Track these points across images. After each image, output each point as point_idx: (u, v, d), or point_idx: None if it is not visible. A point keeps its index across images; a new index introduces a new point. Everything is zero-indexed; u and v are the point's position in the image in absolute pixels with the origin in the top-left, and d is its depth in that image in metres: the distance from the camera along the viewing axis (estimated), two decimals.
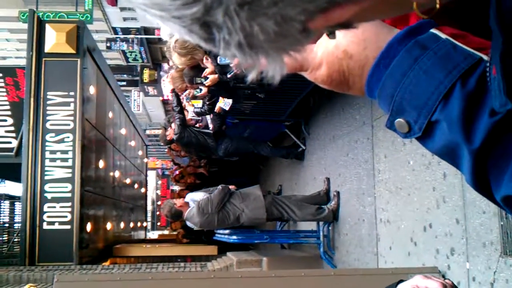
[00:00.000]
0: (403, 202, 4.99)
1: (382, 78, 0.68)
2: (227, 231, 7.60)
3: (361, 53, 0.70)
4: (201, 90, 6.39)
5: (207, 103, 7.24)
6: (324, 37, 0.65)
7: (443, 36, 0.64)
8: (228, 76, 5.16)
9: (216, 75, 5.77)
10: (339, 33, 0.66)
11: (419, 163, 4.69)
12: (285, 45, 0.50)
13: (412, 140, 4.22)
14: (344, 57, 0.72)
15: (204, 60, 5.81)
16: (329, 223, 7.06)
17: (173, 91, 7.82)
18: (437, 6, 0.56)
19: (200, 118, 8.37)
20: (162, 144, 10.24)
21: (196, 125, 8.69)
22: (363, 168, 6.11)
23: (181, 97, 8.58)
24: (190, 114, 8.31)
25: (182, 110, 8.02)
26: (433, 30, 0.65)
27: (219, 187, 6.67)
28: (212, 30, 0.46)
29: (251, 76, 0.52)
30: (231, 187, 6.85)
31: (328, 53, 0.73)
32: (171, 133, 8.78)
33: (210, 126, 8.44)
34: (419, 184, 4.67)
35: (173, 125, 9.06)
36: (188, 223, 7.51)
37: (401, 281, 1.24)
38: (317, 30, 0.50)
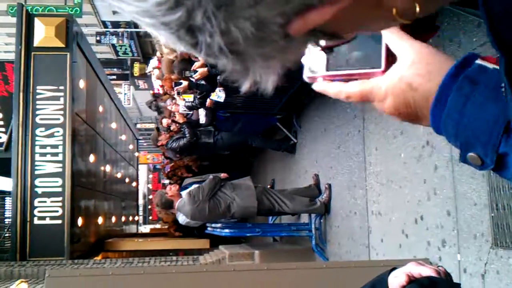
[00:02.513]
0: (395, 194, 5.01)
1: (442, 117, 0.68)
2: (219, 225, 7.60)
3: (426, 86, 0.70)
4: (181, 83, 6.37)
5: (198, 97, 7.23)
6: (390, 70, 0.69)
7: (490, 66, 0.64)
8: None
9: (206, 69, 5.76)
10: (404, 66, 0.69)
11: (410, 156, 4.71)
12: (270, 52, 0.50)
13: (403, 133, 4.24)
14: (408, 90, 0.71)
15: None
16: (321, 215, 7.07)
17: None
18: (418, 10, 0.55)
19: (191, 112, 8.36)
20: (152, 144, 10.23)
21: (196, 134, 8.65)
22: (354, 161, 6.12)
23: (171, 91, 8.57)
24: (181, 108, 8.29)
25: (194, 136, 8.03)
26: (478, 61, 0.65)
27: (210, 176, 6.69)
28: (196, 34, 0.46)
29: (244, 87, 0.53)
30: (223, 175, 6.86)
31: (393, 85, 0.73)
32: (164, 139, 8.77)
33: (202, 120, 8.44)
34: (410, 177, 4.69)
35: (164, 121, 9.03)
36: (179, 219, 7.50)
37: (394, 268, 1.23)
38: (299, 36, 0.50)
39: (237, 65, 0.50)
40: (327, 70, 0.78)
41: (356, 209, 6.01)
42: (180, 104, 8.07)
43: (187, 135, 8.22)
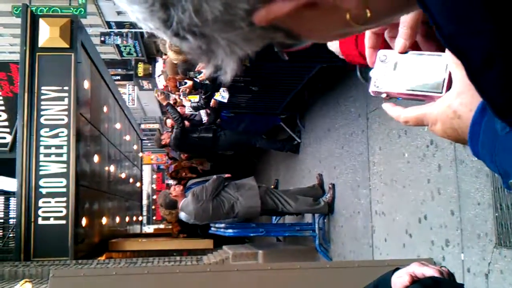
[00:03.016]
0: (398, 194, 5.00)
1: (479, 149, 0.73)
2: (222, 225, 7.61)
3: (468, 115, 0.74)
4: (186, 83, 6.38)
5: (203, 97, 7.24)
6: (442, 97, 0.76)
7: None
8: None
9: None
10: (453, 94, 0.75)
11: (414, 155, 4.70)
12: (234, 38, 0.53)
13: (406, 132, 4.23)
14: (454, 117, 0.76)
15: None
16: (324, 215, 7.07)
17: (168, 104, 7.88)
18: (368, 15, 0.56)
19: (197, 112, 8.36)
20: (156, 146, 10.26)
21: (195, 129, 8.64)
22: (358, 161, 6.12)
23: (176, 93, 8.58)
24: (187, 109, 8.29)
25: (182, 121, 8.02)
26: None
27: (214, 176, 6.71)
28: (169, 9, 0.49)
29: (207, 72, 0.56)
30: (226, 175, 6.87)
31: (442, 112, 0.78)
32: (166, 138, 8.79)
33: (204, 119, 8.45)
34: (414, 176, 4.68)
35: (168, 121, 9.04)
36: (182, 216, 7.50)
37: (397, 269, 1.24)
38: (261, 26, 0.53)
39: (202, 46, 0.53)
40: (392, 87, 0.84)
41: (359, 209, 6.01)
42: (186, 105, 8.06)
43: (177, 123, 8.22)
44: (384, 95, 0.86)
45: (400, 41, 0.81)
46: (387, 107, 0.88)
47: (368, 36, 0.85)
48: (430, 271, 1.18)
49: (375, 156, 5.64)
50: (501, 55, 0.51)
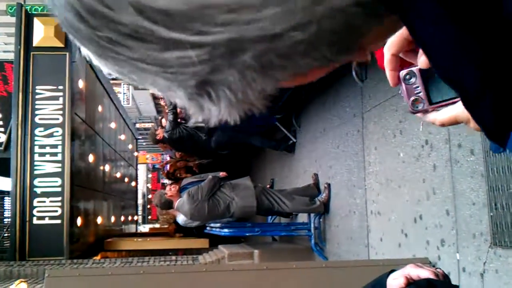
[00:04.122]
0: (394, 194, 5.02)
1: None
2: (218, 224, 7.61)
3: None
4: None
5: None
6: None
7: None
8: None
9: None
10: None
11: (409, 155, 4.71)
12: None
13: (402, 132, 4.24)
14: None
15: None
16: (320, 215, 7.08)
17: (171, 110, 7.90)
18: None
19: None
20: (151, 143, 10.25)
21: (186, 120, 8.67)
22: (353, 160, 6.13)
23: None
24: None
25: (175, 107, 8.03)
26: None
27: (209, 176, 6.70)
28: (207, 88, 0.45)
29: (194, 120, 0.52)
30: (222, 174, 6.87)
31: None
32: (161, 132, 8.79)
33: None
34: (409, 176, 4.70)
35: (163, 121, 9.04)
36: (179, 220, 7.51)
37: (392, 271, 1.24)
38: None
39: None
40: (431, 103, 0.86)
41: (355, 209, 6.02)
42: None
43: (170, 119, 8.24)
44: (428, 110, 0.90)
45: (423, 58, 0.83)
46: (421, 116, 0.89)
47: (388, 59, 0.87)
48: (425, 273, 1.18)
49: (370, 156, 5.65)
50: (493, 85, 0.53)
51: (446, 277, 1.21)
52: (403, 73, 0.86)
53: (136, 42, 0.40)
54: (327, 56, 0.46)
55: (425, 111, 0.86)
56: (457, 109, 0.82)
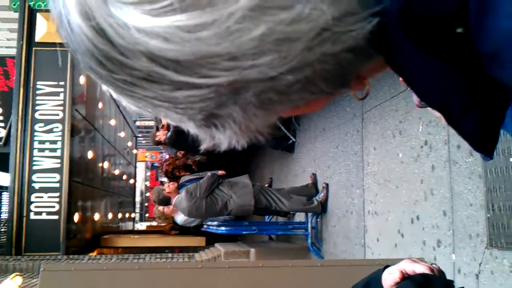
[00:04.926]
0: (391, 194, 5.01)
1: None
2: (215, 222, 7.60)
3: None
4: None
5: None
6: None
7: None
8: None
9: None
10: None
11: (408, 156, 4.70)
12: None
13: (401, 133, 4.23)
14: None
15: None
16: (317, 214, 7.07)
17: None
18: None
19: None
20: (151, 143, 10.26)
21: None
22: (352, 161, 6.12)
23: None
24: None
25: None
26: None
27: (208, 173, 6.69)
28: (213, 121, 0.51)
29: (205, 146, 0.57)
30: (220, 172, 6.86)
31: None
32: (161, 135, 8.77)
33: None
34: (408, 177, 4.69)
35: (163, 120, 9.03)
36: (177, 220, 7.49)
37: (387, 266, 1.23)
38: None
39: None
40: None
41: (352, 209, 6.01)
42: None
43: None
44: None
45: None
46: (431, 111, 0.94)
47: None
48: (421, 268, 1.18)
49: (369, 156, 5.64)
50: (477, 103, 0.59)
51: (441, 272, 1.20)
52: None
53: (149, 83, 0.45)
54: (324, 90, 0.52)
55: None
56: None
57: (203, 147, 0.59)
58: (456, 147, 3.92)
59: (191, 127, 0.54)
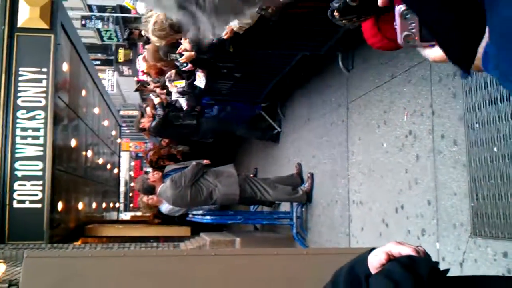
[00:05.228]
0: (376, 184, 5.04)
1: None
2: (200, 212, 7.60)
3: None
4: (187, 64, 6.29)
5: (187, 82, 7.20)
6: None
7: None
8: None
9: (192, 53, 5.72)
10: None
11: (392, 145, 4.74)
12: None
13: (386, 123, 4.26)
14: None
15: (182, 40, 5.75)
16: (302, 204, 7.10)
17: (160, 103, 7.89)
18: None
19: (183, 97, 8.29)
20: (135, 130, 10.18)
21: (177, 115, 8.58)
22: (337, 150, 6.15)
23: (157, 77, 8.52)
24: (174, 95, 8.21)
25: (165, 109, 8.00)
26: None
27: (193, 163, 6.68)
28: None
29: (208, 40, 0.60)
30: (205, 161, 6.85)
31: None
32: (146, 122, 8.71)
33: (184, 106, 8.39)
34: (392, 166, 4.72)
35: (148, 109, 8.98)
36: (162, 209, 7.46)
37: (373, 249, 1.24)
38: None
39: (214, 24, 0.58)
40: (421, 39, 0.95)
41: (337, 198, 6.05)
42: (173, 90, 7.97)
43: (158, 112, 8.21)
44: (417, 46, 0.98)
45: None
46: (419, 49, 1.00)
47: None
48: (406, 250, 1.19)
49: (354, 146, 5.67)
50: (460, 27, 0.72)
51: (426, 254, 1.22)
52: (401, 7, 0.90)
53: None
54: None
55: (415, 46, 0.96)
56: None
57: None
58: (440, 136, 3.95)
59: (171, 9, 0.55)
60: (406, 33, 0.93)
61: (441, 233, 3.86)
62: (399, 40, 0.95)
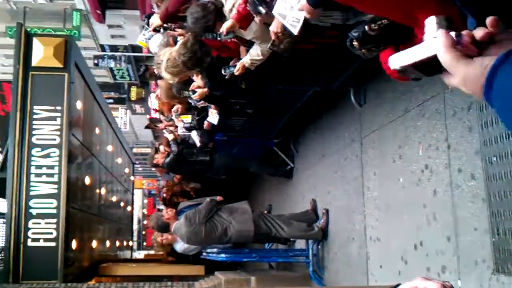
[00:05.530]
0: (394, 219, 4.96)
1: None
2: (215, 250, 7.52)
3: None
4: (200, 101, 6.31)
5: (197, 118, 7.23)
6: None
7: None
8: (224, 72, 5.09)
9: (205, 89, 5.75)
10: None
11: (409, 180, 4.67)
12: None
13: (401, 157, 4.21)
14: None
15: (194, 76, 5.79)
16: (318, 241, 6.99)
17: (174, 140, 7.95)
18: None
19: (189, 132, 8.33)
20: (148, 165, 10.22)
21: (191, 152, 8.60)
22: (352, 186, 6.08)
23: (170, 114, 8.57)
24: (179, 130, 8.26)
25: (179, 146, 8.04)
26: None
27: (207, 199, 6.64)
28: None
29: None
30: (219, 198, 6.82)
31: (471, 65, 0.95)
32: (160, 158, 8.75)
33: (198, 143, 8.41)
34: (409, 201, 4.65)
35: (161, 147, 9.02)
36: (176, 247, 7.41)
37: (398, 284, 1.22)
38: None
39: None
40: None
41: (354, 235, 5.95)
42: (179, 125, 8.03)
43: (173, 148, 8.23)
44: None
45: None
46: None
47: None
48: (433, 286, 1.16)
49: (369, 181, 5.61)
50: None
51: None
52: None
53: None
54: None
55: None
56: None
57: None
58: (457, 171, 3.89)
59: None
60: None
61: (462, 270, 3.76)
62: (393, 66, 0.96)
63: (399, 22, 0.96)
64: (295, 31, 2.97)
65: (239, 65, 4.73)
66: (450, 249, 3.93)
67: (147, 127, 11.63)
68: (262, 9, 3.48)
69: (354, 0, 1.20)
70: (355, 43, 1.22)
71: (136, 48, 26.89)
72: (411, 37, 0.92)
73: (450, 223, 3.95)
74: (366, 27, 1.42)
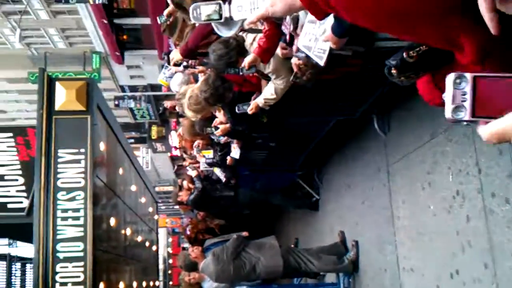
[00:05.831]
0: (426, 248, 4.84)
1: None
2: (244, 287, 7.41)
3: None
4: (222, 137, 6.31)
5: (219, 153, 7.22)
6: None
7: None
8: (238, 110, 5.07)
9: (228, 125, 5.76)
10: None
11: (440, 207, 4.57)
12: None
13: (430, 184, 4.13)
14: None
15: (217, 112, 5.81)
16: (349, 274, 6.85)
17: (197, 176, 7.97)
18: None
19: (211, 168, 8.33)
20: (173, 202, 10.21)
21: (215, 188, 8.60)
22: (381, 215, 5.98)
23: (192, 151, 8.60)
24: (201, 166, 8.27)
25: (203, 182, 8.04)
26: None
27: (234, 235, 6.58)
28: None
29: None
30: (244, 233, 6.75)
31: None
32: (184, 195, 8.75)
33: (222, 178, 8.39)
34: (442, 229, 4.54)
35: (184, 183, 9.02)
36: (204, 286, 7.32)
37: None
38: None
39: None
40: (473, 115, 0.84)
41: (386, 266, 5.82)
42: (201, 161, 8.03)
43: (197, 185, 8.21)
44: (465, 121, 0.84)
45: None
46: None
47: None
48: None
49: (399, 210, 5.51)
50: None
51: None
52: (454, 75, 0.81)
53: None
54: None
55: (465, 121, 0.83)
56: (505, 123, 0.78)
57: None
58: (490, 195, 3.80)
59: None
60: (456, 104, 0.83)
61: None
62: (447, 113, 0.85)
63: (439, 48, 0.92)
64: (322, 62, 2.95)
65: (252, 105, 4.74)
66: (488, 276, 3.81)
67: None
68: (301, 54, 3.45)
69: (389, 30, 1.16)
70: (393, 71, 1.18)
71: (155, 87, 27.26)
72: (451, 62, 0.87)
73: (486, 250, 3.84)
74: (404, 54, 1.39)
